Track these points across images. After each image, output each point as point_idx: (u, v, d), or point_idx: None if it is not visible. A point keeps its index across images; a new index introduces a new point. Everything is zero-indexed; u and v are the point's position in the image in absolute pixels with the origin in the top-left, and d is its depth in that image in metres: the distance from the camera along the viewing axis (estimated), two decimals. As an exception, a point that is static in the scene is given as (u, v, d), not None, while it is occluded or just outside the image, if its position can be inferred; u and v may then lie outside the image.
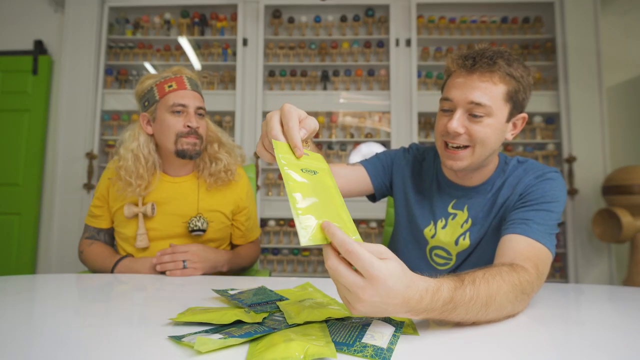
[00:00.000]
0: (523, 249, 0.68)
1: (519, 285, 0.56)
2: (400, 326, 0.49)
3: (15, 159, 2.61)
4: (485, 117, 0.76)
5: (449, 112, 0.79)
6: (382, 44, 2.61)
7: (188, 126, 1.06)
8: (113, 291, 0.79)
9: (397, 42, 2.55)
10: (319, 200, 0.45)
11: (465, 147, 0.79)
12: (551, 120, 2.54)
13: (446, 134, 0.79)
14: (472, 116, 0.76)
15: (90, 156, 2.49)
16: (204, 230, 1.06)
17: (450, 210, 0.90)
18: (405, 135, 2.50)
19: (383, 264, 0.41)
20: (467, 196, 0.88)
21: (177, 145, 1.06)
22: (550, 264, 0.70)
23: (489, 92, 0.75)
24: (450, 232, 0.89)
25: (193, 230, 1.05)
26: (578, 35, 2.46)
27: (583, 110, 2.43)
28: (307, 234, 0.42)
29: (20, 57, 2.66)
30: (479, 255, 0.88)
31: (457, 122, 0.76)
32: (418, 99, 2.50)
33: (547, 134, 2.54)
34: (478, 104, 0.75)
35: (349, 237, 0.42)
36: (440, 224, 0.90)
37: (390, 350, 0.42)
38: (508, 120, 0.80)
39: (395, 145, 2.50)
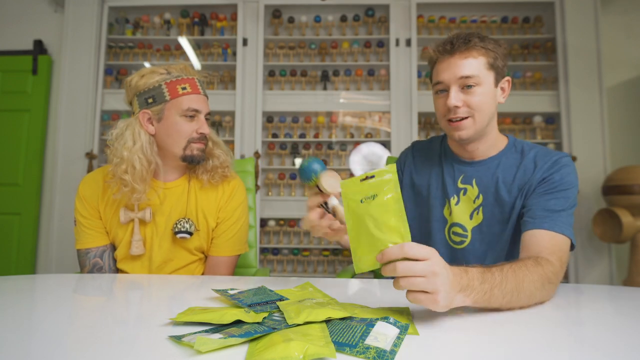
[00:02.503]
0: (547, 243, 0.76)
1: (544, 275, 0.64)
2: (405, 328, 0.49)
3: (15, 159, 2.61)
4: (476, 86, 0.86)
5: (444, 92, 0.89)
6: (382, 44, 2.61)
7: (200, 133, 1.02)
8: (113, 291, 0.79)
9: (397, 42, 2.55)
10: (360, 234, 0.56)
11: (466, 117, 0.88)
12: (551, 120, 2.54)
13: (447, 112, 0.89)
14: (466, 88, 0.86)
15: (90, 156, 2.49)
16: (190, 233, 1.01)
17: (459, 185, 0.95)
18: (405, 135, 2.50)
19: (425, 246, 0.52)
20: (473, 170, 0.94)
21: (187, 150, 1.01)
22: (569, 251, 0.79)
23: (472, 65, 0.85)
24: (463, 207, 0.94)
25: (179, 232, 1.00)
26: (578, 35, 2.46)
27: (583, 110, 2.43)
28: (357, 267, 0.57)
29: (20, 57, 2.66)
30: (494, 230, 0.91)
31: (455, 98, 0.86)
32: (418, 99, 2.50)
33: (547, 134, 2.54)
34: (467, 77, 0.85)
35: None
36: (453, 201, 0.95)
37: (393, 352, 0.42)
38: (496, 85, 0.89)
39: (395, 145, 2.50)
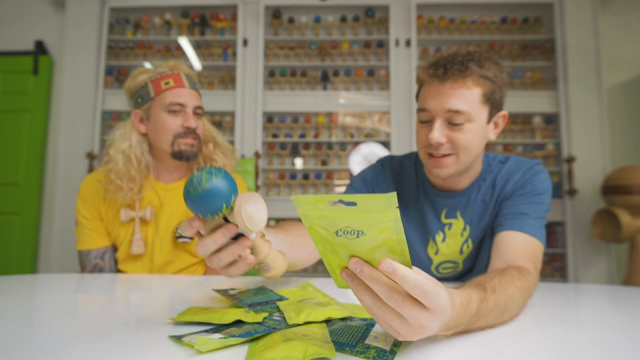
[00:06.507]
0: (522, 249, 0.71)
1: (527, 290, 0.60)
2: None
3: (16, 159, 2.62)
4: (466, 123, 0.75)
5: (428, 122, 0.79)
6: (382, 44, 2.61)
7: (186, 127, 1.00)
8: (113, 291, 0.80)
9: (397, 43, 2.55)
10: (337, 255, 0.41)
11: (449, 154, 0.78)
12: (551, 120, 2.54)
13: (429, 146, 0.78)
14: (452, 124, 0.75)
15: (90, 156, 2.49)
16: (191, 238, 1.01)
17: (444, 220, 0.88)
18: (405, 135, 2.50)
19: (445, 292, 0.40)
20: (456, 202, 0.87)
21: (174, 146, 1.00)
22: (542, 255, 0.75)
23: (465, 97, 0.74)
24: (452, 243, 0.88)
25: (180, 237, 1.00)
26: (578, 35, 2.46)
27: (583, 110, 2.43)
28: (339, 283, 0.43)
29: (21, 57, 2.66)
30: (485, 256, 0.88)
31: (438, 133, 0.75)
32: (418, 99, 2.50)
33: (547, 134, 2.54)
34: (456, 112, 0.74)
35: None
36: (439, 238, 0.89)
37: (393, 352, 0.42)
38: (489, 122, 0.79)
39: (394, 145, 2.50)
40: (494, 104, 0.77)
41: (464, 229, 0.87)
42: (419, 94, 0.82)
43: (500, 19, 2.59)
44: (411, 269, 0.38)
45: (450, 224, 0.88)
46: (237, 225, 0.47)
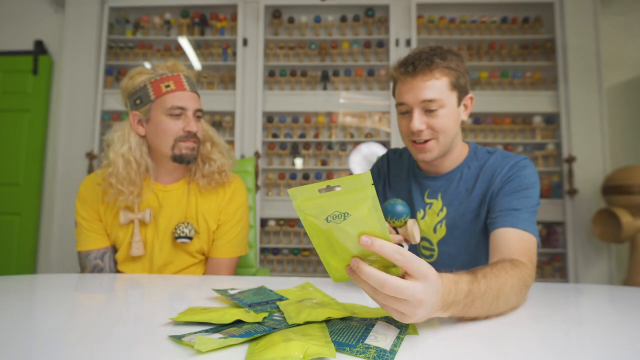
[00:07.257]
0: (516, 244, 0.76)
1: (522, 279, 0.62)
2: (405, 328, 0.49)
3: (16, 159, 2.62)
4: (439, 109, 0.85)
5: (407, 114, 0.89)
6: (382, 44, 2.61)
7: (187, 131, 0.99)
8: (113, 291, 0.80)
9: (397, 42, 2.55)
10: (331, 246, 0.46)
11: (430, 139, 0.88)
12: (551, 120, 2.54)
13: (411, 134, 0.89)
14: (428, 112, 0.85)
15: (90, 156, 2.49)
16: (190, 238, 1.00)
17: (426, 200, 0.97)
18: (405, 135, 2.50)
19: (426, 263, 0.44)
20: (439, 184, 0.95)
21: (175, 149, 0.99)
22: (537, 250, 0.79)
23: (435, 87, 0.84)
24: (428, 220, 0.96)
25: (179, 237, 0.99)
26: (578, 35, 2.46)
27: (583, 110, 2.43)
28: (334, 277, 0.50)
29: (21, 57, 2.66)
30: (459, 241, 0.92)
31: (418, 121, 0.86)
32: (418, 99, 2.49)
33: (547, 134, 2.54)
34: (430, 100, 0.84)
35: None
36: (419, 215, 0.98)
37: (393, 352, 0.42)
38: (459, 104, 0.89)
39: (394, 145, 2.50)
40: (460, 89, 0.88)
41: (441, 209, 0.95)
42: (395, 91, 0.92)
43: (500, 19, 2.59)
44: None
45: (431, 204, 0.96)
46: (403, 239, 0.74)
